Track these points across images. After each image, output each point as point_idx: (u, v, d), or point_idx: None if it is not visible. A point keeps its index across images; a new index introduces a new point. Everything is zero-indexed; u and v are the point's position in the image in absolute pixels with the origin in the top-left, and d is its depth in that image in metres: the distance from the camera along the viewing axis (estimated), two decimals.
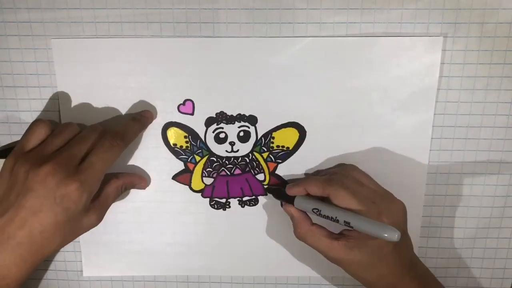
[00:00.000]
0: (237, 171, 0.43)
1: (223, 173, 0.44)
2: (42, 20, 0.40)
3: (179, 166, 0.43)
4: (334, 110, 0.41)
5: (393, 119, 0.42)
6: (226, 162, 0.43)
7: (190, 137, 0.43)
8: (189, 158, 0.43)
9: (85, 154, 0.36)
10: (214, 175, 0.44)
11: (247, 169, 0.43)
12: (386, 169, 0.43)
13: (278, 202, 0.44)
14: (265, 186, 0.43)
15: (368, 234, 0.35)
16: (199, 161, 0.43)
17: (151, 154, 0.43)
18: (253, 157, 0.43)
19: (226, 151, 0.43)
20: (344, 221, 0.36)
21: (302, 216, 0.40)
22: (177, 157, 0.43)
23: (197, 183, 0.44)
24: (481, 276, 0.46)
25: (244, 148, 0.43)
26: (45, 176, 0.34)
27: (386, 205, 0.37)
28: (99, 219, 0.38)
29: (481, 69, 0.41)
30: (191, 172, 0.43)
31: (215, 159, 0.43)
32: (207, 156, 0.43)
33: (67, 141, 0.37)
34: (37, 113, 0.42)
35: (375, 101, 0.41)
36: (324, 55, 0.40)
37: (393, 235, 0.34)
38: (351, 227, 0.36)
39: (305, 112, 0.42)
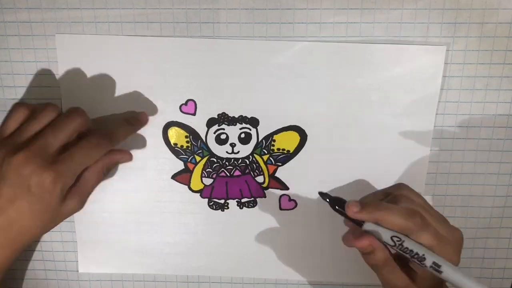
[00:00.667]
0: (237, 173, 0.43)
1: (222, 174, 0.44)
2: (42, 20, 0.40)
3: (179, 165, 0.43)
4: (336, 115, 0.41)
5: (394, 125, 0.42)
6: (226, 163, 0.43)
7: (191, 137, 0.43)
8: (189, 158, 0.43)
9: (62, 143, 0.35)
10: (214, 176, 0.44)
11: (247, 171, 0.43)
12: (386, 173, 0.43)
13: (277, 205, 0.44)
14: (323, 193, 0.36)
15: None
16: (199, 161, 0.43)
17: (151, 153, 0.43)
18: (253, 159, 0.43)
19: (227, 152, 0.43)
20: (433, 263, 0.32)
21: (388, 254, 0.34)
22: (177, 157, 0.43)
23: (196, 183, 0.44)
24: (481, 276, 0.46)
25: (244, 150, 0.43)
26: (18, 165, 0.33)
27: (452, 237, 0.34)
28: (80, 205, 0.37)
29: (481, 69, 0.41)
30: (191, 172, 0.43)
31: (215, 160, 0.43)
32: (207, 157, 0.43)
33: (46, 125, 0.36)
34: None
35: (377, 106, 0.41)
36: (327, 60, 0.40)
37: None
38: (438, 271, 0.32)
39: (307, 116, 0.42)
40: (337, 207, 0.35)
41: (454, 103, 0.41)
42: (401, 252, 0.33)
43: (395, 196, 0.36)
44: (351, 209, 0.33)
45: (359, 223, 0.34)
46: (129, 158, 0.42)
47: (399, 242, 0.32)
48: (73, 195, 0.37)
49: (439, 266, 0.31)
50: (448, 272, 0.31)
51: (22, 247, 0.37)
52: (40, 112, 0.36)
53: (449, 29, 0.40)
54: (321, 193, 0.36)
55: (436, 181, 0.43)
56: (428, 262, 0.32)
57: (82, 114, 0.37)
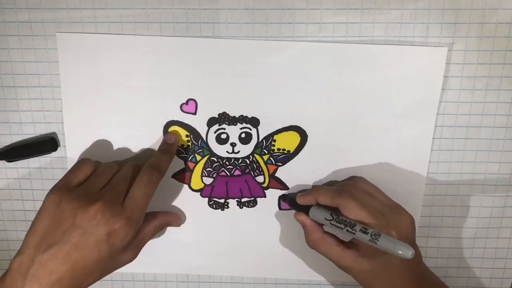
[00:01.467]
0: (237, 172, 0.43)
1: (223, 173, 0.44)
2: (42, 20, 0.40)
3: (179, 164, 0.43)
4: (336, 115, 0.41)
5: (395, 125, 0.42)
6: (227, 162, 0.43)
7: (191, 136, 0.43)
8: (190, 157, 0.43)
9: (128, 189, 0.37)
10: (214, 175, 0.44)
11: (247, 170, 0.43)
12: (386, 173, 0.43)
13: (277, 204, 0.44)
14: (283, 194, 0.43)
15: (380, 249, 0.34)
16: (200, 160, 0.43)
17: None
18: (254, 159, 0.43)
19: (227, 151, 0.43)
20: (362, 228, 0.35)
21: (314, 224, 0.40)
22: (178, 156, 0.43)
23: (196, 182, 0.44)
24: (481, 276, 0.46)
25: (245, 150, 0.43)
26: (94, 215, 0.35)
27: (394, 218, 0.37)
28: (135, 256, 0.39)
29: (481, 69, 0.41)
30: (191, 171, 0.44)
31: (215, 159, 0.43)
32: (207, 156, 0.43)
33: (109, 180, 0.38)
34: (38, 113, 0.42)
35: (377, 106, 0.41)
36: (328, 61, 0.40)
37: (407, 253, 0.33)
38: (367, 233, 0.35)
39: (307, 117, 0.42)
40: (292, 204, 0.42)
41: (454, 103, 0.41)
42: (338, 225, 0.37)
43: (343, 182, 0.42)
44: (298, 195, 0.41)
45: (303, 211, 0.40)
46: (180, 223, 0.44)
47: (334, 219, 0.37)
48: (132, 245, 0.38)
49: (366, 229, 0.35)
50: (371, 235, 0.34)
51: None
52: (105, 168, 0.39)
53: (449, 29, 0.40)
54: (281, 197, 0.44)
55: (436, 181, 0.43)
56: (357, 228, 0.35)
57: (133, 163, 0.40)
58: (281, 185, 0.44)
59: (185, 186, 0.44)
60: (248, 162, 0.43)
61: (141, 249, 0.40)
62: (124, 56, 0.41)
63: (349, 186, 0.40)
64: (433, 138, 0.42)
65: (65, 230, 0.35)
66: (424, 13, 0.39)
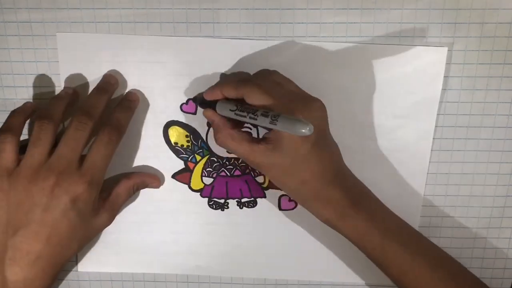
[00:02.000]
0: (237, 172, 0.43)
1: (223, 173, 0.44)
2: (42, 20, 0.40)
3: (179, 165, 0.43)
4: (336, 115, 0.41)
5: (395, 126, 0.42)
6: (227, 162, 0.43)
7: (191, 136, 0.43)
8: (190, 157, 0.43)
9: (81, 152, 0.36)
10: (214, 175, 0.44)
11: (247, 170, 0.43)
12: (386, 175, 0.43)
13: (277, 205, 0.44)
14: (194, 97, 0.41)
15: (282, 131, 0.33)
16: (200, 160, 0.43)
17: (152, 152, 0.43)
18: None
19: (227, 151, 0.43)
20: (263, 112, 0.34)
21: (222, 120, 0.38)
22: (178, 156, 0.43)
23: (196, 182, 0.44)
24: (481, 276, 0.46)
25: None
26: (51, 189, 0.35)
27: (303, 103, 0.36)
28: (111, 219, 0.39)
29: (481, 69, 0.41)
30: (191, 171, 0.43)
31: (215, 159, 0.43)
32: (207, 156, 0.43)
33: (54, 141, 0.36)
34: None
35: (377, 107, 0.41)
36: (327, 60, 0.40)
37: (305, 128, 0.31)
38: (267, 115, 0.33)
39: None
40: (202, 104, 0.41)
41: (454, 103, 0.41)
42: (241, 114, 0.36)
43: (252, 75, 0.40)
44: (205, 91, 0.39)
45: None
46: (158, 185, 0.43)
47: (234, 110, 0.36)
48: (105, 208, 0.38)
49: (267, 112, 0.34)
50: (270, 116, 0.33)
51: (61, 267, 0.37)
52: (39, 132, 0.36)
53: (449, 29, 0.40)
54: (193, 99, 0.42)
55: (436, 181, 0.43)
56: (259, 112, 0.34)
57: (88, 122, 0.37)
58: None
59: (185, 186, 0.44)
60: None
61: (116, 211, 0.40)
62: (124, 56, 0.41)
63: (257, 77, 0.38)
64: (433, 139, 0.42)
65: (27, 211, 0.35)
66: (424, 13, 0.39)
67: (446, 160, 0.43)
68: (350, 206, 0.36)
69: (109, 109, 0.39)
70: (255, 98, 0.35)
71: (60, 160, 0.36)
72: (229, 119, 0.38)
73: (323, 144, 0.36)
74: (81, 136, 0.36)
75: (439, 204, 0.44)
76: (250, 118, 0.35)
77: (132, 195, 0.42)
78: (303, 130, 0.31)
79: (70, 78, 0.41)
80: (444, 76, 0.41)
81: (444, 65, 0.40)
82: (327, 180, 0.36)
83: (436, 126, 0.42)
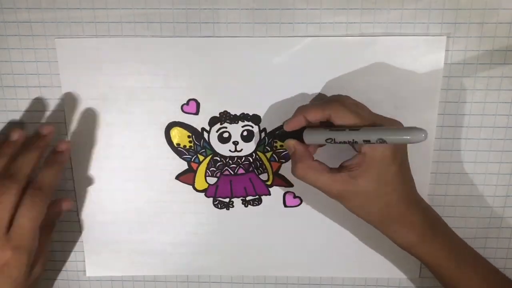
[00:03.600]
0: (241, 171, 0.43)
1: (226, 172, 0.44)
2: (42, 20, 0.40)
3: (182, 166, 0.43)
4: None
5: (397, 117, 0.41)
6: (230, 161, 0.43)
7: (193, 136, 0.43)
8: (193, 158, 0.43)
9: (10, 217, 0.35)
10: (218, 175, 0.44)
11: (251, 168, 0.43)
12: None
13: (281, 202, 0.44)
14: (271, 131, 0.41)
15: (392, 141, 0.32)
16: (203, 160, 0.43)
17: (154, 154, 0.43)
18: (257, 156, 0.43)
19: (230, 150, 0.43)
20: (364, 140, 0.33)
21: (304, 150, 0.37)
22: (181, 157, 0.43)
23: (200, 182, 0.44)
24: None
25: (247, 148, 0.43)
26: None
27: (388, 122, 0.35)
28: (43, 267, 0.39)
29: (481, 69, 0.41)
30: (195, 171, 0.43)
31: (218, 159, 0.43)
32: (210, 156, 0.43)
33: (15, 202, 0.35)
34: (37, 113, 0.42)
35: (378, 100, 0.41)
36: (327, 55, 0.40)
37: (420, 133, 0.29)
38: (380, 140, 0.32)
39: None
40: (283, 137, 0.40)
41: (454, 103, 0.41)
42: (336, 133, 0.35)
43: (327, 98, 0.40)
44: (285, 126, 0.38)
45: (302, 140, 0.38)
46: (69, 206, 0.42)
47: (333, 142, 0.35)
48: (36, 260, 0.37)
49: (368, 140, 0.32)
50: (379, 134, 0.32)
51: None
52: None
53: (449, 29, 0.40)
54: (274, 135, 0.42)
55: (436, 181, 0.43)
56: (360, 140, 0.33)
57: (14, 186, 0.35)
58: (285, 182, 0.44)
59: (189, 187, 0.44)
60: (251, 160, 0.43)
61: (47, 257, 0.39)
62: (124, 57, 0.41)
63: (336, 97, 0.38)
64: (434, 138, 0.42)
65: None
66: (424, 13, 0.39)
67: (446, 160, 0.43)
68: (429, 229, 0.37)
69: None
70: (345, 116, 0.35)
71: None
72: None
73: (407, 167, 0.36)
74: (5, 200, 0.35)
75: (439, 204, 0.44)
76: (351, 130, 0.34)
77: (53, 229, 0.41)
78: (422, 135, 0.30)
79: (70, 79, 0.41)
80: (444, 76, 0.41)
81: (443, 54, 0.40)
82: (409, 203, 0.36)
83: (436, 126, 0.42)
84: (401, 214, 0.36)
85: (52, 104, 0.42)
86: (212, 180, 0.44)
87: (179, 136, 0.43)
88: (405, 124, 0.41)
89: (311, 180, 0.36)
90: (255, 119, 0.42)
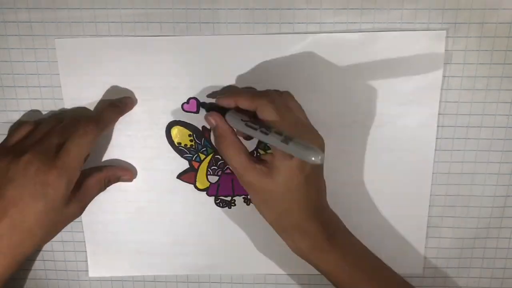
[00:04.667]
0: None
1: (228, 171, 0.44)
2: (43, 20, 0.40)
3: (183, 165, 0.43)
4: (338, 107, 0.41)
5: (398, 114, 0.42)
6: None
7: (194, 135, 0.43)
8: (194, 157, 0.43)
9: (63, 140, 0.37)
10: (219, 173, 0.44)
11: None
12: (391, 167, 0.43)
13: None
14: (203, 102, 0.41)
15: (290, 153, 0.33)
16: (204, 159, 0.43)
17: (155, 154, 0.43)
18: (258, 155, 0.43)
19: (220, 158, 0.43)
20: (276, 130, 0.34)
21: (227, 126, 0.38)
22: (182, 156, 0.43)
23: (202, 181, 0.44)
24: (481, 276, 0.46)
25: (249, 146, 0.43)
26: (24, 166, 0.35)
27: (307, 135, 0.36)
28: (81, 210, 0.39)
29: (481, 69, 0.41)
30: (196, 170, 0.43)
31: (219, 157, 0.43)
32: (211, 154, 0.43)
33: (48, 132, 0.38)
34: (37, 113, 0.42)
35: (379, 96, 0.41)
36: (328, 52, 0.40)
37: (316, 157, 0.31)
38: (280, 134, 0.34)
39: (309, 109, 0.41)
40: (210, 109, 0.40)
41: (454, 103, 0.41)
42: (253, 126, 0.35)
43: (266, 90, 0.40)
44: (218, 97, 0.39)
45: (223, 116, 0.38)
46: (131, 178, 0.43)
47: (247, 122, 0.36)
48: (75, 199, 0.38)
49: (280, 133, 0.34)
50: (286, 137, 0.33)
51: (24, 255, 0.37)
52: (43, 123, 0.39)
53: (449, 29, 0.40)
54: (202, 104, 0.41)
55: (436, 181, 0.43)
56: (272, 131, 0.34)
57: (77, 117, 0.39)
58: None
59: (191, 186, 0.44)
60: None
61: (87, 203, 0.40)
62: (124, 57, 0.41)
63: (271, 93, 0.38)
64: (434, 139, 0.42)
65: (1, 185, 0.35)
66: (424, 13, 0.39)
67: (446, 160, 0.43)
68: (325, 240, 0.37)
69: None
70: (268, 113, 0.36)
71: (41, 143, 0.37)
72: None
73: (315, 178, 0.37)
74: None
75: (439, 204, 0.44)
76: (261, 132, 0.35)
77: (103, 188, 0.42)
78: (314, 158, 0.31)
79: (70, 79, 0.41)
80: (444, 76, 0.41)
81: (443, 48, 0.40)
82: (309, 213, 0.37)
83: (436, 126, 0.42)
84: (298, 222, 0.37)
85: (52, 104, 0.42)
86: (213, 179, 0.44)
87: (180, 135, 0.43)
88: (407, 121, 0.41)
89: (229, 156, 0.37)
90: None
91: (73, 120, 0.38)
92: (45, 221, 0.36)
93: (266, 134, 0.35)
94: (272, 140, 0.34)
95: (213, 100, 0.41)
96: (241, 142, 0.38)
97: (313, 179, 0.37)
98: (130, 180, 0.43)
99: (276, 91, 0.40)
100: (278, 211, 0.37)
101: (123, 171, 0.43)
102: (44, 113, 0.42)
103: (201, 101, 0.42)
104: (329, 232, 0.38)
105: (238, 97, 0.38)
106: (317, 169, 0.38)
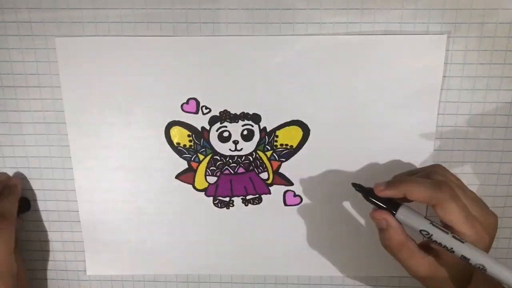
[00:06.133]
0: (241, 170, 0.43)
1: (226, 171, 0.44)
2: (43, 20, 0.40)
3: (182, 165, 0.43)
4: (338, 108, 0.41)
5: (397, 117, 0.42)
6: (230, 161, 0.43)
7: (193, 136, 0.43)
8: (193, 157, 0.43)
9: None
10: (218, 174, 0.44)
11: (251, 167, 0.43)
12: (390, 168, 0.43)
13: (282, 200, 0.44)
14: (353, 183, 0.37)
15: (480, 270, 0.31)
16: (203, 160, 0.43)
17: (154, 154, 0.43)
18: (257, 155, 0.43)
19: (230, 149, 0.43)
20: (462, 256, 0.31)
21: (399, 225, 0.34)
22: (181, 156, 0.43)
23: (200, 182, 0.44)
24: None
25: (247, 147, 0.43)
26: None
27: (487, 222, 0.34)
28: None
29: (481, 69, 0.41)
30: (195, 171, 0.44)
31: (218, 158, 0.43)
32: (210, 155, 0.43)
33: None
34: (37, 113, 0.42)
35: (379, 99, 0.41)
36: (328, 53, 0.40)
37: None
38: (480, 266, 0.31)
39: (309, 111, 0.42)
40: (370, 197, 0.35)
41: (454, 103, 0.41)
42: (437, 230, 0.32)
43: (428, 171, 0.36)
44: (377, 188, 0.34)
45: (392, 213, 0.34)
46: (16, 182, 0.43)
47: (428, 236, 0.32)
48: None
49: (467, 259, 0.31)
50: (488, 267, 0.30)
51: None
52: None
53: (449, 29, 0.40)
54: (354, 184, 0.37)
55: None
56: (458, 254, 0.31)
57: None
58: (285, 181, 0.44)
59: (189, 187, 0.44)
60: (251, 159, 0.43)
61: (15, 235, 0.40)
62: (124, 57, 0.41)
63: (445, 179, 0.34)
64: (434, 139, 0.42)
65: None
66: (424, 13, 0.39)
67: (446, 160, 0.43)
68: None
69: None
70: (450, 216, 0.32)
71: None
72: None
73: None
74: None
75: None
76: (454, 237, 0.31)
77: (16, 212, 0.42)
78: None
79: (70, 79, 0.41)
80: (444, 76, 0.41)
81: (444, 52, 0.40)
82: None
83: (436, 126, 0.42)
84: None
85: (52, 104, 0.42)
86: (212, 179, 0.44)
87: (179, 135, 0.43)
88: (406, 124, 0.41)
89: (402, 258, 0.34)
90: (255, 118, 0.42)
91: None
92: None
93: (462, 242, 0.31)
94: (469, 253, 0.31)
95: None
96: (411, 239, 0.34)
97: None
98: (16, 184, 0.43)
99: (431, 168, 0.36)
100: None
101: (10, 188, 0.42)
102: (46, 112, 0.42)
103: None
104: None
105: (410, 188, 0.33)
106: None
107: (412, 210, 0.34)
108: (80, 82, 0.41)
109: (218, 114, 0.42)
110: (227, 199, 0.44)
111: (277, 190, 0.44)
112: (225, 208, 0.45)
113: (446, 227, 0.33)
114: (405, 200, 0.34)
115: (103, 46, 0.40)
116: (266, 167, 0.43)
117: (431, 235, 0.32)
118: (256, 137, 0.43)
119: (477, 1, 0.39)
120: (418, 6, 0.39)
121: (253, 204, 0.44)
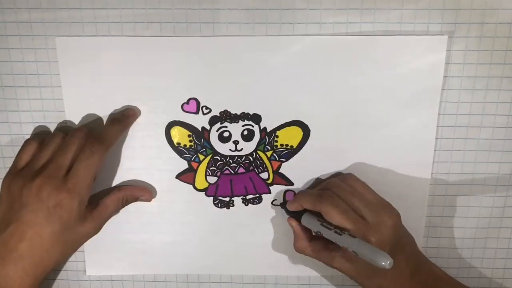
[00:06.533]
0: (241, 170, 0.43)
1: (227, 171, 0.44)
2: (43, 20, 0.40)
3: (182, 165, 0.43)
4: (338, 109, 0.42)
5: (397, 118, 0.42)
6: (230, 161, 0.43)
7: (193, 136, 0.43)
8: (193, 157, 0.43)
9: (71, 161, 0.38)
10: (218, 174, 0.44)
11: (251, 167, 0.43)
12: (390, 169, 0.43)
13: (282, 200, 0.44)
14: (281, 203, 0.44)
15: (362, 257, 0.35)
16: (203, 160, 0.43)
17: (155, 154, 0.43)
18: (257, 155, 0.43)
19: (230, 150, 0.43)
20: (349, 234, 0.36)
21: (302, 231, 0.41)
22: (181, 156, 0.43)
23: (201, 182, 0.44)
24: (481, 276, 0.46)
25: (248, 147, 0.43)
26: (36, 191, 0.36)
27: (375, 220, 0.37)
28: (97, 228, 0.40)
29: (481, 69, 0.41)
30: (195, 171, 0.44)
31: (219, 158, 0.43)
32: (211, 155, 0.43)
33: (54, 152, 0.38)
34: (37, 113, 0.42)
35: (379, 99, 0.41)
36: (328, 54, 0.40)
37: (385, 262, 0.33)
38: (353, 237, 0.36)
39: (309, 111, 0.42)
40: (286, 208, 0.42)
41: (454, 103, 0.41)
42: (328, 226, 0.38)
43: (326, 183, 0.42)
44: (288, 203, 0.42)
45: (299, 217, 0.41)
46: (149, 198, 0.43)
47: (322, 221, 0.38)
48: (92, 217, 0.39)
49: (340, 233, 0.36)
50: (356, 250, 0.35)
51: (44, 272, 0.38)
52: (48, 141, 0.39)
53: (449, 29, 0.40)
54: (281, 205, 0.44)
55: (436, 181, 0.43)
56: (340, 245, 0.36)
57: (82, 132, 0.39)
58: (286, 181, 0.44)
59: (190, 187, 0.44)
60: (251, 159, 0.43)
61: (104, 221, 0.41)
62: (124, 57, 0.41)
63: (332, 187, 0.40)
64: (434, 139, 0.42)
65: (16, 210, 0.36)
66: (424, 13, 0.39)
67: (446, 160, 0.43)
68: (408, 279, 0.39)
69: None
70: (333, 218, 0.37)
71: (50, 165, 0.37)
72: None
73: (398, 252, 0.38)
74: (69, 147, 0.38)
75: (439, 204, 0.44)
76: (335, 232, 0.37)
77: (121, 207, 0.42)
78: (383, 263, 0.33)
79: (70, 79, 0.41)
80: (444, 76, 0.41)
81: (444, 53, 0.40)
82: (404, 281, 0.39)
83: (436, 126, 0.42)
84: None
85: (52, 104, 0.42)
86: (212, 179, 0.44)
87: (179, 135, 0.43)
88: (406, 125, 0.42)
89: (310, 255, 0.41)
90: (256, 118, 0.42)
91: (79, 136, 0.39)
92: (61, 240, 0.37)
93: (340, 235, 0.36)
94: (345, 242, 0.36)
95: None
96: (316, 240, 0.40)
97: (400, 251, 0.38)
98: (149, 200, 0.44)
99: (337, 176, 0.42)
100: (374, 286, 0.39)
101: (142, 191, 0.43)
102: (46, 112, 0.42)
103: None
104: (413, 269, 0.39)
105: (302, 202, 0.40)
106: (396, 240, 0.38)
107: (311, 216, 0.39)
108: (80, 82, 0.41)
109: (218, 114, 0.42)
110: (227, 199, 0.44)
111: (277, 190, 0.44)
112: (225, 208, 0.45)
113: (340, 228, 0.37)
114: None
115: (103, 46, 0.40)
116: (266, 167, 0.43)
117: (322, 233, 0.38)
118: (256, 137, 0.43)
119: (477, 1, 0.39)
120: (418, 6, 0.39)
121: (253, 203, 0.44)
